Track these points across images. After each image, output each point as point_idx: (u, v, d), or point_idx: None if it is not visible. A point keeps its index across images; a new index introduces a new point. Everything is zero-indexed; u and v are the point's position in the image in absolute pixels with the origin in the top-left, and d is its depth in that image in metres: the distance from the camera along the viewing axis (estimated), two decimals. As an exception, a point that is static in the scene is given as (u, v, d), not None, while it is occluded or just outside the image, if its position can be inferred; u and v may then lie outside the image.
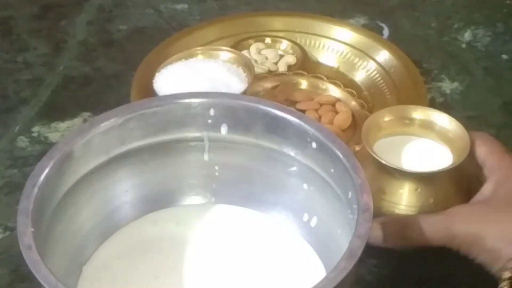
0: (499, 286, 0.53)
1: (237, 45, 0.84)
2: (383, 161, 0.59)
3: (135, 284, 0.57)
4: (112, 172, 0.59)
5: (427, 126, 0.63)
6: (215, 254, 0.59)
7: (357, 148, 0.73)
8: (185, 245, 0.59)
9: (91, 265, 0.58)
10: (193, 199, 0.63)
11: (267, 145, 0.59)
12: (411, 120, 0.63)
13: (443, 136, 0.62)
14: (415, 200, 0.59)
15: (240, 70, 0.76)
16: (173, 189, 0.62)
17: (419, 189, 0.59)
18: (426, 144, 0.63)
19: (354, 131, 0.76)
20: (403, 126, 0.63)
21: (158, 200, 0.62)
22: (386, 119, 0.63)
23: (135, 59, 0.82)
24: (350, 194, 0.52)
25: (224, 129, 0.60)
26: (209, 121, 0.60)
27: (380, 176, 0.60)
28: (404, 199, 0.60)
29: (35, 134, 0.77)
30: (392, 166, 0.59)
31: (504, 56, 0.87)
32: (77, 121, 0.79)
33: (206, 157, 0.61)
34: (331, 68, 0.84)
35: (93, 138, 0.57)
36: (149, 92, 0.75)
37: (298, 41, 0.85)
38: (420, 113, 0.63)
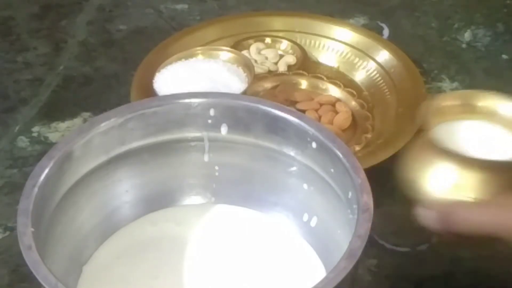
0: None
1: (237, 45, 0.84)
2: (456, 152, 0.53)
3: (135, 284, 0.57)
4: (112, 172, 0.59)
5: (490, 112, 0.58)
6: (215, 254, 0.59)
7: (357, 148, 0.73)
8: (185, 245, 0.59)
9: (91, 265, 0.58)
10: (193, 199, 0.63)
11: (267, 145, 0.59)
12: (473, 106, 0.58)
13: (508, 123, 0.57)
14: (491, 191, 0.54)
15: (240, 70, 0.76)
16: (173, 189, 0.62)
17: (493, 180, 0.54)
18: (490, 130, 0.58)
19: (354, 131, 0.76)
20: (464, 112, 0.58)
21: (158, 200, 0.62)
22: (447, 103, 0.58)
23: (135, 59, 0.82)
24: (350, 194, 0.53)
25: (224, 129, 0.60)
26: (209, 121, 0.60)
27: (445, 165, 0.54)
28: (478, 191, 0.54)
29: (35, 134, 0.77)
30: (468, 156, 0.53)
31: (504, 56, 0.87)
32: (77, 121, 0.79)
33: (206, 157, 0.61)
34: (331, 68, 0.84)
35: (93, 138, 0.57)
36: (149, 92, 0.75)
37: (298, 41, 0.85)
38: (482, 99, 0.58)
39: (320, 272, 0.57)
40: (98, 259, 0.58)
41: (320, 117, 0.76)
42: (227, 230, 0.61)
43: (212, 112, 0.59)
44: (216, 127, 0.60)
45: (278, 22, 0.87)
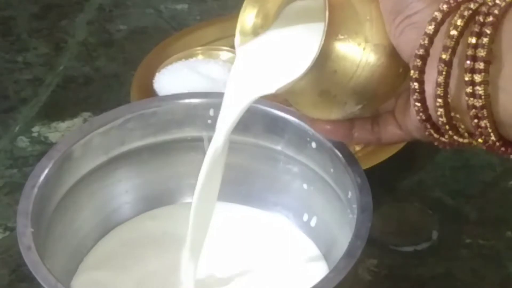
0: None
1: (237, 45, 0.84)
2: None
3: (133, 280, 0.57)
4: (112, 172, 0.59)
5: None
6: (215, 251, 0.59)
7: (357, 148, 0.73)
8: (184, 242, 0.59)
9: (88, 260, 0.58)
10: (193, 199, 0.63)
11: (267, 145, 0.59)
12: None
13: None
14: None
15: (240, 70, 0.76)
16: (173, 189, 0.62)
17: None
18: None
19: (354, 131, 0.76)
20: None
21: (158, 200, 0.62)
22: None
23: (135, 59, 0.82)
24: (350, 194, 0.52)
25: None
26: (209, 121, 0.60)
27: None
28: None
29: (35, 134, 0.77)
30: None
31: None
32: (77, 121, 0.79)
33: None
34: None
35: (93, 138, 0.57)
36: (149, 92, 0.75)
37: (298, 41, 0.85)
38: None
39: (322, 268, 0.56)
40: (96, 254, 0.58)
41: (320, 117, 0.76)
42: (227, 227, 0.60)
43: (212, 112, 0.59)
44: (216, 127, 0.60)
45: (278, 22, 0.87)
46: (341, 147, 0.54)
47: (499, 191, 0.71)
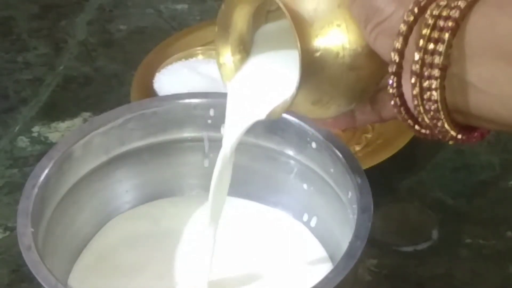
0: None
1: (237, 45, 0.84)
2: None
3: (128, 274, 0.56)
4: (112, 173, 0.59)
5: None
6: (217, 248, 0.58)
7: (357, 148, 0.73)
8: (180, 236, 0.59)
9: (84, 255, 0.58)
10: (193, 199, 0.63)
11: (267, 145, 0.59)
12: None
13: None
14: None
15: (240, 70, 0.76)
16: (173, 189, 0.62)
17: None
18: None
19: (354, 131, 0.76)
20: None
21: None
22: None
23: (135, 59, 0.82)
24: (350, 194, 0.53)
25: (224, 129, 0.60)
26: (209, 121, 0.60)
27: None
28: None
29: (35, 134, 0.77)
30: None
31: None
32: (77, 121, 0.79)
33: (206, 158, 0.61)
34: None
35: (93, 138, 0.57)
36: (149, 92, 0.75)
37: (298, 41, 0.85)
38: None
39: (326, 265, 0.56)
40: (92, 249, 0.58)
41: (320, 117, 0.76)
42: (226, 222, 0.60)
43: (212, 112, 0.59)
44: (216, 127, 0.60)
45: (278, 22, 0.87)
46: (341, 147, 0.54)
47: (499, 191, 0.71)
